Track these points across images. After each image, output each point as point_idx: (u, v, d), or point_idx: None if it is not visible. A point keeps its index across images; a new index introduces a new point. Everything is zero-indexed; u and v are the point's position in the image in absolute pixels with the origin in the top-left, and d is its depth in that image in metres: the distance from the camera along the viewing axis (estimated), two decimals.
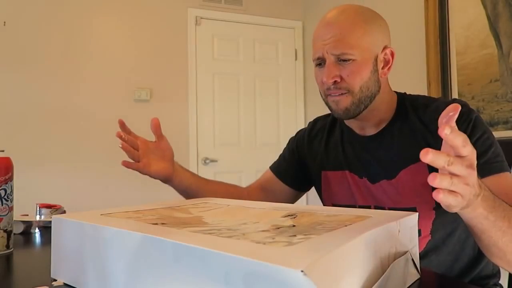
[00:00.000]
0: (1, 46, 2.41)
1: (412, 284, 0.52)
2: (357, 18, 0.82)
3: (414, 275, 0.52)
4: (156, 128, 0.96)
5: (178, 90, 2.81)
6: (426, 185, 0.77)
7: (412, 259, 0.53)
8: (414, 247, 0.54)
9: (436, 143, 0.77)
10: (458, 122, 0.76)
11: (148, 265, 0.42)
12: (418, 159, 0.77)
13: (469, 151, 0.48)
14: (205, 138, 2.87)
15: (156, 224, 0.50)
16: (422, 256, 0.81)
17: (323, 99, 0.88)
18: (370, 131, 0.90)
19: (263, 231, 0.45)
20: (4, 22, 2.42)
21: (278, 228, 0.47)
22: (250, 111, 3.02)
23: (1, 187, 0.75)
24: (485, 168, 0.73)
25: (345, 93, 0.82)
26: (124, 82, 2.67)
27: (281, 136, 3.07)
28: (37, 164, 2.43)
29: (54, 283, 0.54)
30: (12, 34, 2.44)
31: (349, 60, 0.80)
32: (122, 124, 1.01)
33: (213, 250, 0.36)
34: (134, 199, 2.49)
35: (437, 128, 0.75)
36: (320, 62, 0.84)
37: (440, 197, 0.47)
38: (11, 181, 0.77)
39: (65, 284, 0.53)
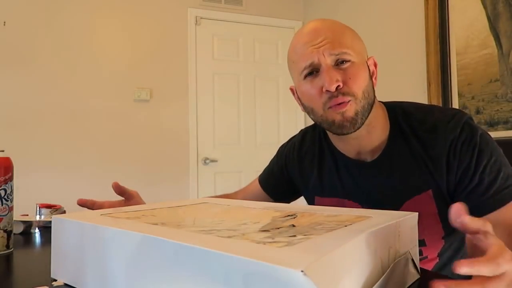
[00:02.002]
0: (1, 46, 2.41)
1: (412, 284, 0.52)
2: (341, 24, 0.78)
3: (414, 275, 0.53)
4: (118, 189, 0.93)
5: (178, 90, 2.81)
6: (434, 216, 0.77)
7: (412, 259, 0.53)
8: (414, 247, 0.54)
9: (436, 170, 0.74)
10: (461, 149, 0.72)
11: (148, 265, 0.42)
12: (422, 190, 0.76)
13: (506, 268, 0.40)
14: (205, 138, 2.88)
15: (156, 224, 0.50)
16: None
17: (319, 118, 0.78)
18: (367, 155, 0.82)
19: (263, 231, 0.45)
20: (4, 22, 2.42)
21: (278, 228, 0.47)
22: (250, 111, 3.02)
23: (1, 187, 0.75)
24: (496, 200, 0.70)
25: (349, 100, 0.73)
26: (124, 82, 2.67)
27: (281, 136, 3.07)
28: (37, 164, 2.44)
29: (54, 283, 0.54)
30: (12, 34, 2.44)
31: (347, 61, 0.74)
32: (83, 202, 0.95)
33: (213, 250, 0.36)
34: None
35: (437, 154, 0.74)
36: (312, 71, 0.75)
37: None
38: (11, 181, 0.77)
39: (65, 284, 0.53)
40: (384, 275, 0.43)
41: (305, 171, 0.94)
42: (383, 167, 0.80)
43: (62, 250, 0.55)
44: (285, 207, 0.65)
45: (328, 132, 0.87)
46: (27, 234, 0.96)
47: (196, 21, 2.88)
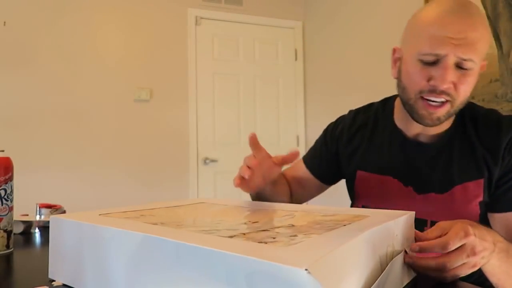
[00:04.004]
0: (1, 46, 2.42)
1: (409, 283, 0.52)
2: (486, 22, 0.73)
3: (410, 274, 0.53)
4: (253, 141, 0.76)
5: (178, 90, 2.81)
6: (476, 204, 0.79)
7: None
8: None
9: (492, 161, 0.77)
10: (506, 146, 0.76)
11: (149, 265, 0.42)
12: (474, 178, 0.79)
13: (465, 241, 0.52)
14: (205, 138, 2.88)
15: (156, 224, 0.50)
16: None
17: (407, 99, 0.77)
18: (426, 138, 0.83)
19: (263, 230, 0.45)
20: (4, 22, 2.42)
21: (277, 227, 0.47)
22: (250, 111, 3.02)
23: (1, 187, 0.75)
24: None
25: (447, 101, 0.73)
26: (124, 82, 2.67)
27: (281, 136, 3.08)
28: (37, 164, 2.44)
29: (54, 283, 0.54)
30: (12, 34, 2.44)
31: (469, 68, 0.71)
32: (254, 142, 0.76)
33: (215, 249, 0.35)
34: (134, 199, 2.49)
35: (495, 146, 0.78)
36: (433, 60, 0.71)
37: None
38: (11, 181, 0.77)
39: (64, 285, 0.53)
40: (383, 273, 0.43)
41: (353, 144, 0.94)
42: (443, 150, 0.81)
43: (60, 250, 0.55)
44: (282, 207, 0.65)
45: (397, 109, 0.88)
46: (27, 234, 0.96)
47: (196, 21, 2.88)
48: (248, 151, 0.77)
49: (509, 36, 1.66)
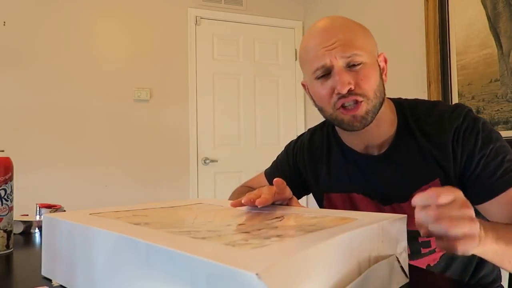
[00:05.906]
0: (1, 46, 2.41)
1: None
2: (352, 23, 0.79)
3: (401, 280, 0.51)
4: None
5: (178, 90, 2.81)
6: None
7: (400, 264, 0.51)
8: (402, 252, 0.52)
9: (442, 157, 0.76)
10: (463, 136, 0.74)
11: (123, 264, 0.43)
12: (430, 179, 0.78)
13: (455, 196, 0.49)
14: (205, 138, 2.87)
15: (139, 224, 0.50)
16: (435, 269, 0.81)
17: (328, 116, 0.81)
18: (374, 149, 0.84)
19: (242, 232, 0.46)
20: (4, 22, 2.42)
21: (259, 230, 0.47)
22: (250, 111, 3.02)
23: (1, 187, 0.75)
24: (503, 181, 0.71)
25: (361, 101, 0.75)
26: (124, 82, 2.67)
27: (281, 136, 3.07)
28: (37, 164, 2.44)
29: (54, 283, 0.54)
30: (12, 34, 2.44)
31: (359, 64, 0.74)
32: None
33: (178, 251, 0.37)
34: (134, 199, 2.49)
35: (442, 141, 0.76)
36: (324, 73, 0.76)
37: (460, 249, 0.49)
38: (11, 181, 0.77)
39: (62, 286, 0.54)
40: (359, 278, 0.42)
41: (316, 170, 0.95)
42: (391, 160, 0.82)
43: (51, 248, 0.57)
44: (276, 208, 0.65)
45: (336, 127, 0.89)
46: (27, 234, 0.96)
47: (196, 21, 2.88)
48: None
49: (509, 36, 1.66)
